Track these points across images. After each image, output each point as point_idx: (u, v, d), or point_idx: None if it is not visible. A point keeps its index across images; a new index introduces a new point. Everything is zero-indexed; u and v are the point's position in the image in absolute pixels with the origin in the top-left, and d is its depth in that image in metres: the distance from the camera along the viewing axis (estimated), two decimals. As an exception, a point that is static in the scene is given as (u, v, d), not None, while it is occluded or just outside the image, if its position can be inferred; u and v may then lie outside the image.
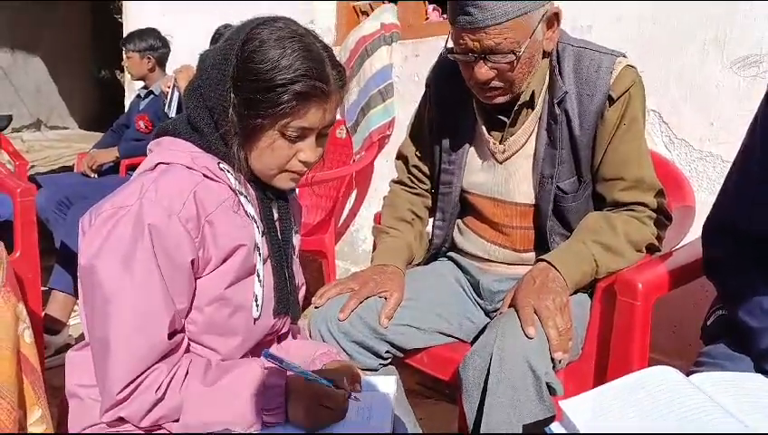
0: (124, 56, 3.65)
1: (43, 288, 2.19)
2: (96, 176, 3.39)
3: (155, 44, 3.58)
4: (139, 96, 3.72)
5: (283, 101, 1.07)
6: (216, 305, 1.14)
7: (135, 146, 3.43)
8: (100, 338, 1.06)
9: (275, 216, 1.25)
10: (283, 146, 1.13)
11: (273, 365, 1.13)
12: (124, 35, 4.04)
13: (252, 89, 1.08)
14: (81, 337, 2.89)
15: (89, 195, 2.97)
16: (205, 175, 1.13)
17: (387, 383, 1.30)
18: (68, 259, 2.69)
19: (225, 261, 1.13)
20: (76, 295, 2.73)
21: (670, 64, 2.24)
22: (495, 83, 1.44)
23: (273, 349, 1.28)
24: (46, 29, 7.91)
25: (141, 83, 3.72)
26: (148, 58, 3.56)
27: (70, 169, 4.90)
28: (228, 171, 1.15)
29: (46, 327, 2.58)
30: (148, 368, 1.06)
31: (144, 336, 1.05)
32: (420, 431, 1.55)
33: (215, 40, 3.16)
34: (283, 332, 1.31)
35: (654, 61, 2.23)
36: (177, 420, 1.09)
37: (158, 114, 3.39)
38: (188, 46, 3.97)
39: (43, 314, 2.37)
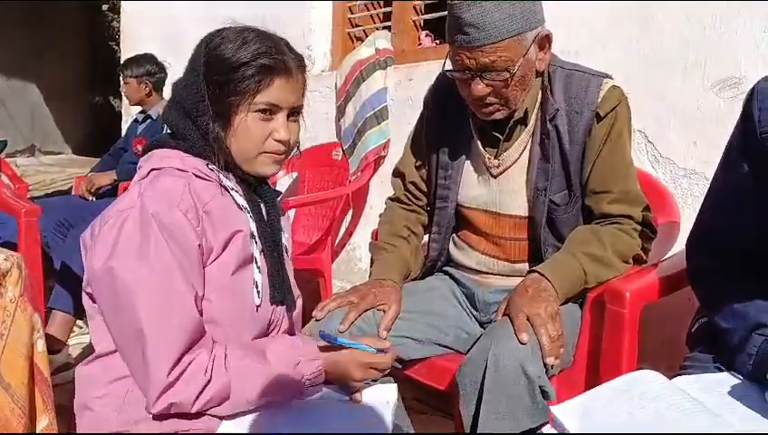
0: (121, 82, 3.69)
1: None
2: (94, 199, 3.41)
3: (152, 70, 3.62)
4: (136, 120, 3.74)
5: (248, 75, 1.17)
6: (222, 294, 1.18)
7: (132, 169, 3.38)
8: (131, 332, 1.10)
9: (264, 211, 1.31)
10: (257, 126, 1.20)
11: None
12: (121, 62, 4.10)
13: (220, 71, 1.18)
14: (81, 356, 2.90)
15: (87, 217, 2.95)
16: (195, 175, 1.19)
17: (387, 391, 1.34)
18: (67, 279, 2.70)
19: (225, 249, 1.19)
20: (75, 315, 2.77)
21: (654, 87, 2.31)
22: (491, 99, 1.51)
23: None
24: (42, 56, 7.96)
25: (139, 108, 3.76)
26: (146, 83, 3.60)
27: (64, 193, 4.90)
28: (216, 171, 1.22)
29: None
30: (188, 348, 1.10)
31: (176, 316, 1.10)
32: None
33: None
34: (284, 329, 1.34)
35: (639, 84, 2.29)
36: (220, 404, 1.13)
37: (156, 138, 3.43)
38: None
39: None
